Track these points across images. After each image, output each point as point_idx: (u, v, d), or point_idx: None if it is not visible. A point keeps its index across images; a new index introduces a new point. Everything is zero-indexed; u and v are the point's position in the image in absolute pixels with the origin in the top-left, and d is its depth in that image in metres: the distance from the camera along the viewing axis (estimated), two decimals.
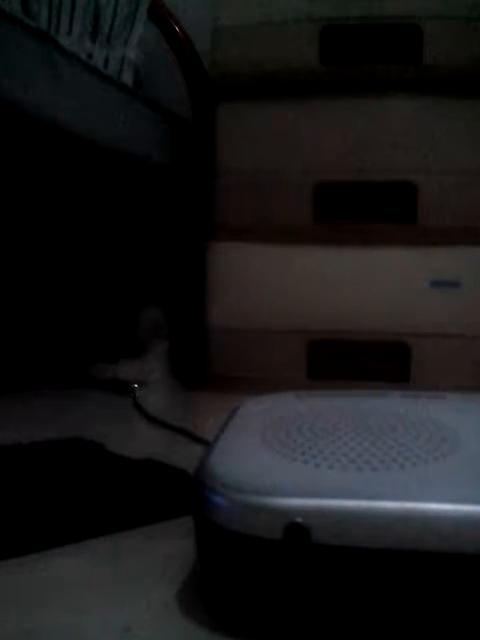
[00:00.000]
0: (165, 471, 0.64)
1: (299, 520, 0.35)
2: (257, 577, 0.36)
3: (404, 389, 1.10)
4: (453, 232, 1.15)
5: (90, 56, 1.11)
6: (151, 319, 1.30)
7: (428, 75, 1.15)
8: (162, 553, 0.48)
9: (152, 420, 0.94)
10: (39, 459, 0.67)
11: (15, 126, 0.90)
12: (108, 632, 0.38)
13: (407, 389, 1.12)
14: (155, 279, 1.33)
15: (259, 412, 0.51)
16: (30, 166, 1.10)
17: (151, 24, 1.31)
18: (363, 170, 1.17)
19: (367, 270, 1.18)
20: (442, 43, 1.14)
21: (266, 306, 1.20)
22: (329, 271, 1.19)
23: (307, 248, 1.19)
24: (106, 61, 1.15)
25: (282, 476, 0.38)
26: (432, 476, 0.38)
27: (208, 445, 0.45)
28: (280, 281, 1.20)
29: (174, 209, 1.34)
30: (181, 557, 0.45)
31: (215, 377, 1.21)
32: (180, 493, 0.57)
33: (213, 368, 1.22)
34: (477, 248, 1.16)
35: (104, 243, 1.31)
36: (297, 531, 0.35)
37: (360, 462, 0.39)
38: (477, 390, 1.08)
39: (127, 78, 1.18)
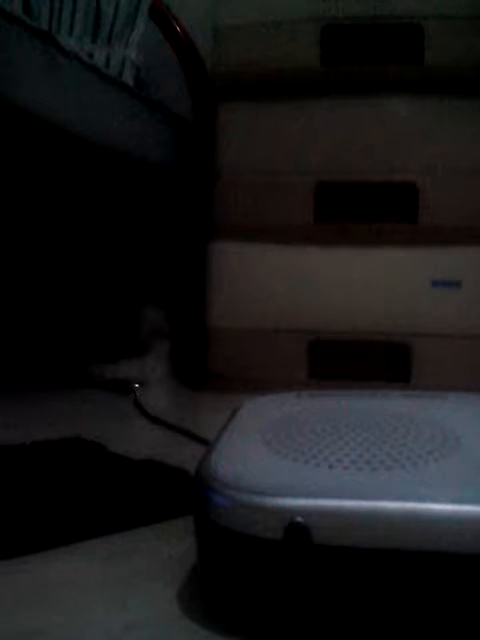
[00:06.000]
0: (166, 471, 0.64)
1: (300, 520, 0.35)
2: (257, 577, 0.36)
3: (404, 389, 1.10)
4: (454, 232, 1.15)
5: (91, 56, 1.11)
6: (152, 319, 1.30)
7: (429, 75, 1.15)
8: (163, 553, 0.48)
9: (153, 420, 0.94)
10: (40, 459, 0.67)
11: (16, 126, 0.90)
12: (108, 632, 0.38)
13: (408, 389, 1.12)
14: (156, 279, 1.34)
15: (260, 412, 0.51)
16: (31, 166, 1.10)
17: (152, 24, 1.31)
18: (364, 170, 1.18)
19: (368, 270, 1.18)
20: (443, 43, 1.14)
21: (267, 306, 1.20)
22: (330, 271, 1.19)
23: (308, 248, 1.19)
24: (107, 61, 1.15)
25: (283, 476, 0.38)
26: (433, 476, 0.38)
27: (209, 445, 0.45)
28: (281, 281, 1.20)
29: (175, 209, 1.34)
30: (181, 557, 0.45)
31: (216, 377, 1.21)
32: (181, 493, 0.57)
33: (214, 368, 1.22)
34: (478, 248, 1.16)
35: (105, 243, 1.32)
36: (297, 531, 0.35)
37: (361, 462, 0.39)
38: (478, 390, 1.08)
39: (128, 78, 1.18)
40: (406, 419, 0.46)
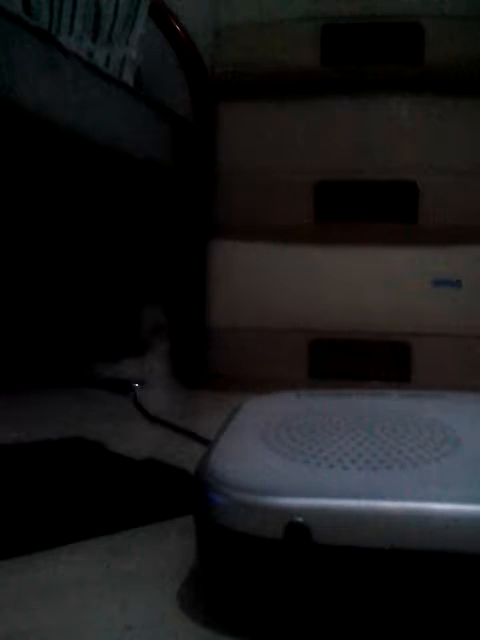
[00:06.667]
0: (166, 470, 0.64)
1: (300, 519, 0.35)
2: (258, 576, 0.36)
3: (404, 389, 1.10)
4: (454, 231, 1.16)
5: (91, 55, 1.11)
6: (152, 318, 1.30)
7: (429, 74, 1.15)
8: (163, 552, 0.48)
9: (153, 419, 0.94)
10: (40, 458, 0.67)
11: (16, 125, 0.90)
12: (108, 632, 0.38)
13: (407, 389, 1.12)
14: (156, 278, 1.33)
15: (260, 411, 0.51)
16: (31, 166, 1.10)
17: (152, 23, 1.31)
18: (364, 169, 1.18)
19: (368, 270, 1.18)
20: (443, 42, 1.14)
21: (267, 305, 1.20)
22: (329, 270, 1.19)
23: (308, 247, 1.19)
24: (107, 60, 1.15)
25: (283, 475, 0.38)
26: (433, 476, 0.38)
27: (209, 444, 0.45)
28: (281, 280, 1.20)
29: (174, 208, 1.34)
30: (182, 556, 0.45)
31: (216, 376, 1.21)
32: (181, 492, 0.57)
33: (214, 367, 1.22)
34: (478, 247, 1.16)
35: (105, 242, 1.31)
36: (298, 530, 0.35)
37: (361, 462, 0.39)
38: (477, 390, 1.08)
39: (128, 77, 1.18)
40: (406, 419, 0.46)
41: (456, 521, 0.34)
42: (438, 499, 0.35)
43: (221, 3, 1.22)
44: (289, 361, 1.19)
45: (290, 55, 1.18)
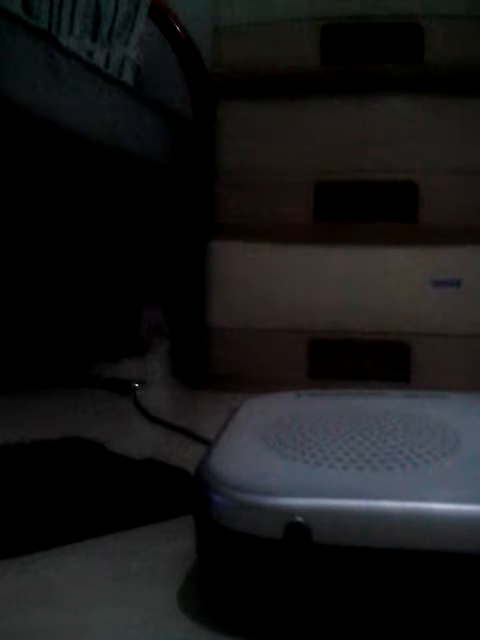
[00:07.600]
0: (166, 471, 0.64)
1: (300, 519, 0.35)
2: (258, 577, 0.36)
3: (404, 389, 1.10)
4: (454, 231, 1.15)
5: (90, 55, 1.11)
6: (152, 318, 1.30)
7: (429, 74, 1.15)
8: (163, 552, 0.48)
9: (153, 419, 0.94)
10: (39, 458, 0.67)
11: (15, 126, 0.90)
12: (108, 632, 0.38)
13: (407, 389, 1.12)
14: (156, 279, 1.33)
15: (260, 411, 0.51)
16: (30, 166, 1.10)
17: (152, 23, 1.31)
18: (364, 169, 1.17)
19: (367, 269, 1.18)
20: (443, 42, 1.14)
21: (266, 305, 1.20)
22: (329, 270, 1.19)
23: (307, 247, 1.19)
24: (107, 60, 1.15)
25: (283, 475, 0.38)
26: (433, 476, 0.38)
27: (209, 444, 0.45)
28: (280, 280, 1.20)
29: (175, 209, 1.34)
30: (182, 557, 0.45)
31: (216, 377, 1.21)
32: (181, 493, 0.57)
33: (214, 368, 1.22)
34: (478, 247, 1.16)
35: (105, 242, 1.31)
36: (298, 530, 0.35)
37: (361, 462, 0.39)
38: (477, 390, 1.08)
39: (128, 77, 1.18)
40: (406, 419, 0.46)
41: (456, 521, 0.34)
42: (438, 499, 0.35)
43: (221, 3, 1.22)
44: (289, 361, 1.19)
45: (290, 55, 1.18)
